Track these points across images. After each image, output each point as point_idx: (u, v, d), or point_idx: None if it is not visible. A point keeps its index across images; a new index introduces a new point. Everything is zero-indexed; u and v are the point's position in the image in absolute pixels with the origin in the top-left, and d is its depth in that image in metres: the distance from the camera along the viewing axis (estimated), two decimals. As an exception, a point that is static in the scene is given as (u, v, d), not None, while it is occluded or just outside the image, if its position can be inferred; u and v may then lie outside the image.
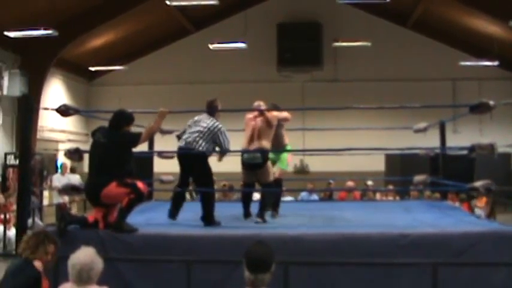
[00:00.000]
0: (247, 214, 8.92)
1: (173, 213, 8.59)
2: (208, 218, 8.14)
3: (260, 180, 8.86)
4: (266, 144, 8.66)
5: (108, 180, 7.20)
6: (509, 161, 23.31)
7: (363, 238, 6.91)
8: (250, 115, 9.01)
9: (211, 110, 8.68)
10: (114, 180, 7.19)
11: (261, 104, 8.97)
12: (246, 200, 9.08)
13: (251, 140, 8.70)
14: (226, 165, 9.94)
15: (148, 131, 7.66)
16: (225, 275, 6.56)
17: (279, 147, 9.17)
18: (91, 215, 7.55)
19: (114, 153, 7.35)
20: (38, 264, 5.23)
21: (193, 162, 8.39)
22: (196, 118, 8.68)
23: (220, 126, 8.48)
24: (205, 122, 8.49)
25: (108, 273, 4.88)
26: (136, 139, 7.50)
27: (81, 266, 4.52)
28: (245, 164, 8.78)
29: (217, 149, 8.55)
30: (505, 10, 18.23)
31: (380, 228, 7.50)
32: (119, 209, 7.29)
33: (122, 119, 7.60)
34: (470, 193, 12.14)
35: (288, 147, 9.59)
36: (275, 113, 8.96)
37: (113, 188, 7.17)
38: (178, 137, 8.74)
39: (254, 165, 8.64)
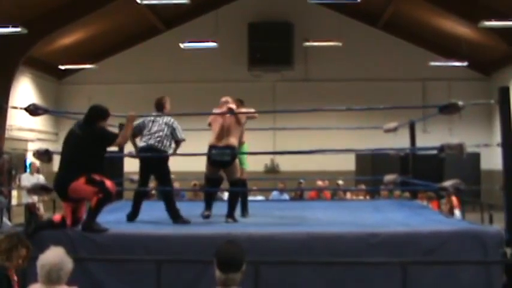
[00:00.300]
0: (209, 208, 8.79)
1: (135, 215, 8.57)
2: (175, 215, 8.18)
3: (228, 178, 8.81)
4: (234, 141, 8.59)
5: (77, 175, 7.09)
6: (479, 161, 23.54)
7: (334, 237, 6.92)
8: (217, 110, 8.95)
9: (159, 107, 8.81)
10: (83, 175, 7.08)
11: (229, 100, 8.90)
12: (209, 197, 8.94)
13: (220, 136, 8.59)
14: (196, 165, 9.91)
15: (122, 138, 7.60)
16: (196, 275, 6.54)
17: (238, 145, 9.02)
18: (59, 214, 7.47)
19: (87, 147, 7.25)
20: (11, 273, 5.23)
21: (158, 163, 8.51)
22: (151, 118, 8.72)
23: (173, 120, 8.65)
24: (160, 120, 8.61)
25: (78, 273, 4.83)
26: (111, 139, 7.43)
27: (50, 267, 4.45)
28: (212, 161, 8.68)
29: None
30: (474, 12, 18.43)
31: (350, 227, 7.53)
32: (88, 209, 7.21)
33: (97, 113, 7.52)
34: (439, 192, 12.23)
35: (245, 146, 9.47)
36: (243, 110, 8.97)
37: (81, 184, 7.07)
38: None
39: (222, 163, 8.58)
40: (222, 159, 8.50)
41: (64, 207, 7.40)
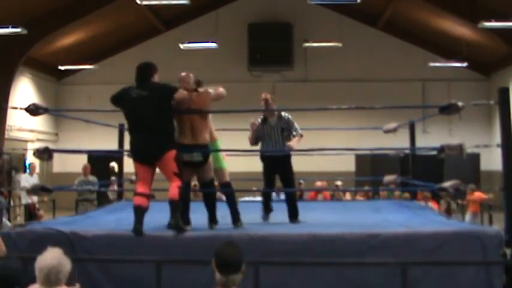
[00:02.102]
0: (186, 222, 7.62)
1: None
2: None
3: (200, 179, 7.84)
4: (206, 138, 7.66)
5: (171, 143, 7.08)
6: (478, 162, 23.55)
7: (334, 238, 6.90)
8: (180, 95, 7.56)
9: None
10: (174, 148, 7.06)
11: (190, 76, 7.93)
12: (185, 204, 7.71)
13: (185, 132, 7.57)
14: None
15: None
16: (196, 275, 6.52)
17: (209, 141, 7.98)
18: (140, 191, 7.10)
19: (162, 107, 7.11)
20: None
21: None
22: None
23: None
24: None
25: (77, 274, 4.81)
26: (173, 88, 7.33)
27: (48, 269, 4.40)
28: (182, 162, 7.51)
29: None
30: (473, 12, 18.45)
31: (350, 228, 7.51)
32: (173, 204, 6.92)
33: (149, 67, 7.49)
34: (439, 193, 12.23)
35: (218, 143, 8.31)
36: (210, 90, 7.94)
37: (172, 157, 7.00)
38: None
39: (193, 164, 7.55)
40: (193, 159, 7.49)
41: (140, 173, 7.15)
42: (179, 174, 7.02)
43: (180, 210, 7.01)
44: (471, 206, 14.58)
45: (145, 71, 7.46)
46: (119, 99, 7.50)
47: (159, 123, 7.08)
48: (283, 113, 8.85)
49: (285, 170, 8.75)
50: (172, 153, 7.03)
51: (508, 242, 6.81)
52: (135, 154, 7.18)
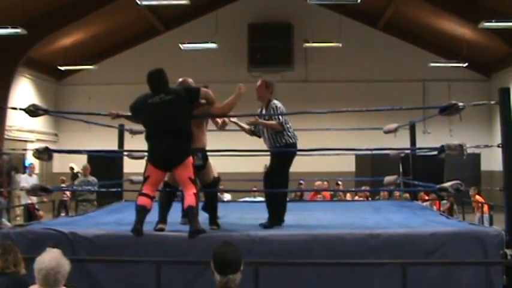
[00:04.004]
0: (163, 220, 7.45)
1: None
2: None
3: (202, 181, 7.70)
4: (203, 141, 7.74)
5: (190, 149, 7.07)
6: (479, 162, 23.53)
7: (334, 238, 6.89)
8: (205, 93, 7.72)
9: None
10: (190, 154, 7.04)
11: (189, 82, 8.05)
12: (167, 204, 7.65)
13: None
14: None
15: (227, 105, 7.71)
16: (195, 276, 6.51)
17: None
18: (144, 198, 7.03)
19: (185, 111, 7.10)
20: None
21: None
22: None
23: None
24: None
25: (77, 274, 4.79)
26: (197, 90, 7.37)
27: (47, 270, 4.36)
28: None
29: None
30: (473, 12, 18.45)
31: (351, 228, 7.50)
32: (191, 211, 6.82)
33: (164, 72, 7.37)
34: (439, 193, 12.21)
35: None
36: (217, 105, 7.83)
37: (190, 163, 6.98)
38: None
39: (195, 167, 7.28)
40: (194, 163, 7.22)
41: (152, 176, 7.08)
42: (194, 181, 6.97)
43: (197, 215, 6.91)
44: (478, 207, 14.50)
45: (162, 76, 7.32)
46: (136, 108, 7.42)
47: (183, 126, 7.04)
48: (272, 102, 8.45)
49: (271, 167, 8.61)
50: (191, 158, 7.02)
51: (508, 242, 6.79)
52: (154, 159, 7.08)
